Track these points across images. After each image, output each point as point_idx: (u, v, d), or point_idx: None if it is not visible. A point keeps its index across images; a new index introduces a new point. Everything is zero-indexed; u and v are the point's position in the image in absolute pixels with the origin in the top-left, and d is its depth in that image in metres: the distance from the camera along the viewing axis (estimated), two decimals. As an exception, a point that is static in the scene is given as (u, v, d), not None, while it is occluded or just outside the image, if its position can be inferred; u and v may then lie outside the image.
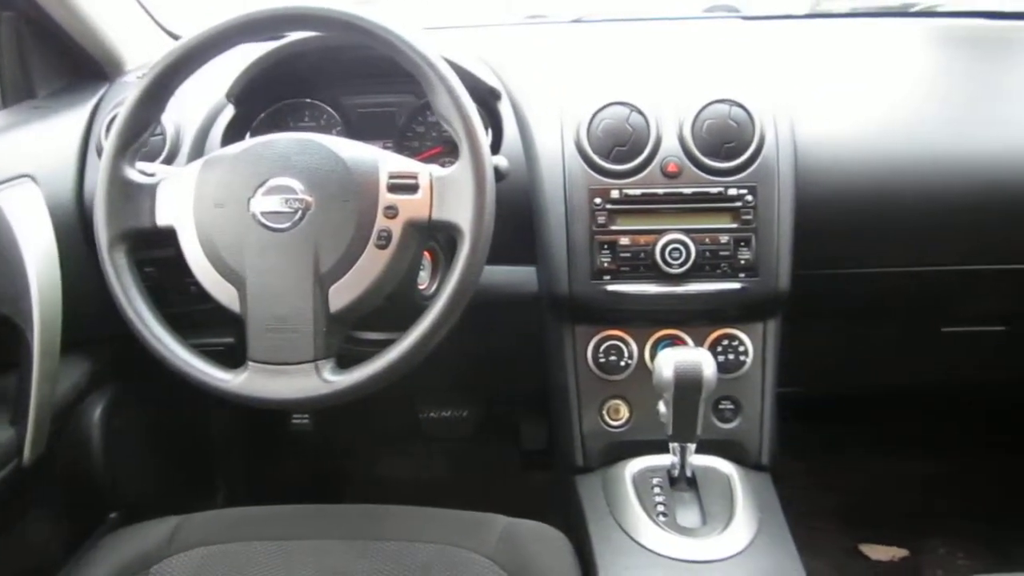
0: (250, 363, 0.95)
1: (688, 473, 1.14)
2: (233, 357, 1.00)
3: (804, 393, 1.45)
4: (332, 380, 0.94)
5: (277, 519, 1.07)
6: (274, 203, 0.94)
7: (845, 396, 1.71)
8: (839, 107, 1.26)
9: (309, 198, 0.94)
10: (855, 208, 1.21)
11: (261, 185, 0.95)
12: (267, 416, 1.64)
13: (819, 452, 1.83)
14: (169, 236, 0.99)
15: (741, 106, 1.16)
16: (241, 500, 1.18)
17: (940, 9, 1.55)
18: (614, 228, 1.15)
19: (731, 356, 1.20)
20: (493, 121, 1.23)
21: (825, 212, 1.19)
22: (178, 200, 0.98)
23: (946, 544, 1.74)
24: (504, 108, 1.23)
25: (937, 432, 1.88)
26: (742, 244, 1.15)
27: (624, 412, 1.22)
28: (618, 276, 1.16)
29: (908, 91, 1.29)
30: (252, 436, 1.78)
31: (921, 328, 1.43)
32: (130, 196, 0.98)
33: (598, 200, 1.15)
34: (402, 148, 1.28)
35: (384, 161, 0.97)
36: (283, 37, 1.19)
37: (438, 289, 0.96)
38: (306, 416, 1.72)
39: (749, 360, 1.20)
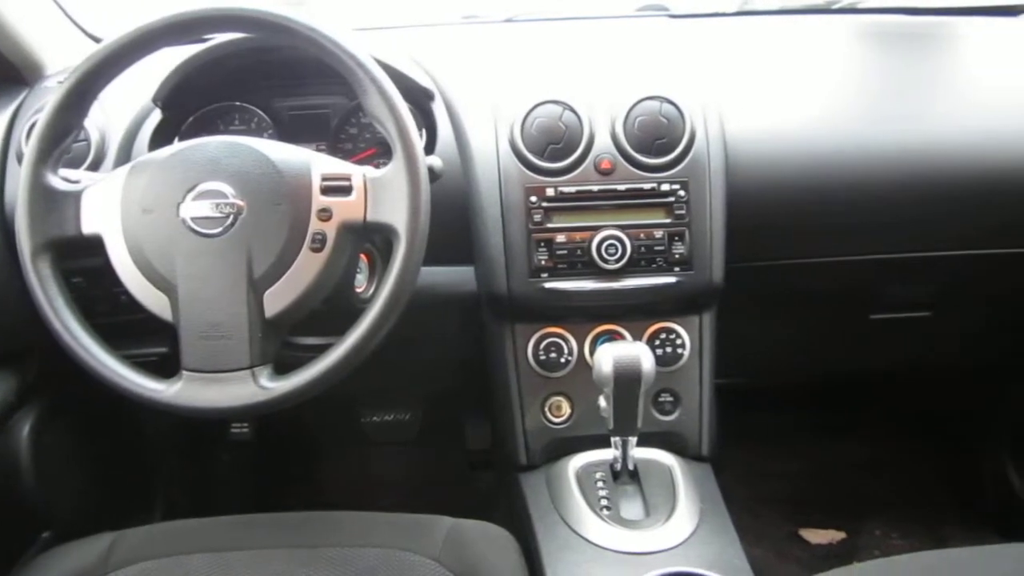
0: (184, 372, 0.93)
1: (630, 466, 1.15)
2: (167, 367, 0.98)
3: (742, 383, 1.48)
4: (269, 386, 0.92)
5: (217, 530, 1.05)
6: (204, 208, 0.92)
7: (781, 385, 1.75)
8: (767, 103, 1.29)
9: (240, 202, 0.92)
10: (784, 201, 1.24)
11: (191, 190, 0.93)
12: (204, 426, 1.61)
13: (758, 441, 1.87)
14: (96, 244, 0.96)
15: (672, 103, 1.18)
16: (180, 513, 1.15)
17: (861, 6, 1.59)
18: (550, 226, 1.16)
19: (669, 349, 1.22)
20: (427, 121, 1.23)
21: (755, 205, 1.22)
22: (104, 207, 0.96)
23: (882, 526, 1.79)
24: (438, 108, 1.23)
25: (870, 417, 1.93)
26: (676, 238, 1.16)
27: (566, 408, 1.23)
28: (555, 273, 1.16)
29: (832, 86, 1.33)
30: (190, 447, 1.75)
31: (851, 316, 1.47)
32: (53, 204, 0.96)
33: (533, 198, 1.16)
34: (336, 150, 1.27)
35: (316, 163, 0.96)
36: (210, 39, 1.16)
37: (375, 292, 0.95)
38: (245, 424, 1.70)
39: (686, 353, 1.22)
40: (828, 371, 1.65)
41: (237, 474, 1.84)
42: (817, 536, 1.77)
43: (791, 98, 1.30)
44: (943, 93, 1.32)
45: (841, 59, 1.41)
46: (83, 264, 1.11)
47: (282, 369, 0.95)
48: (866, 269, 1.34)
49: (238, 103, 1.27)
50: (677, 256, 1.17)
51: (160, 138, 1.21)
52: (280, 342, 0.97)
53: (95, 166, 1.19)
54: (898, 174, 1.24)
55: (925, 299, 1.43)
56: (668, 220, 1.16)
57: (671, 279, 1.17)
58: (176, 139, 1.25)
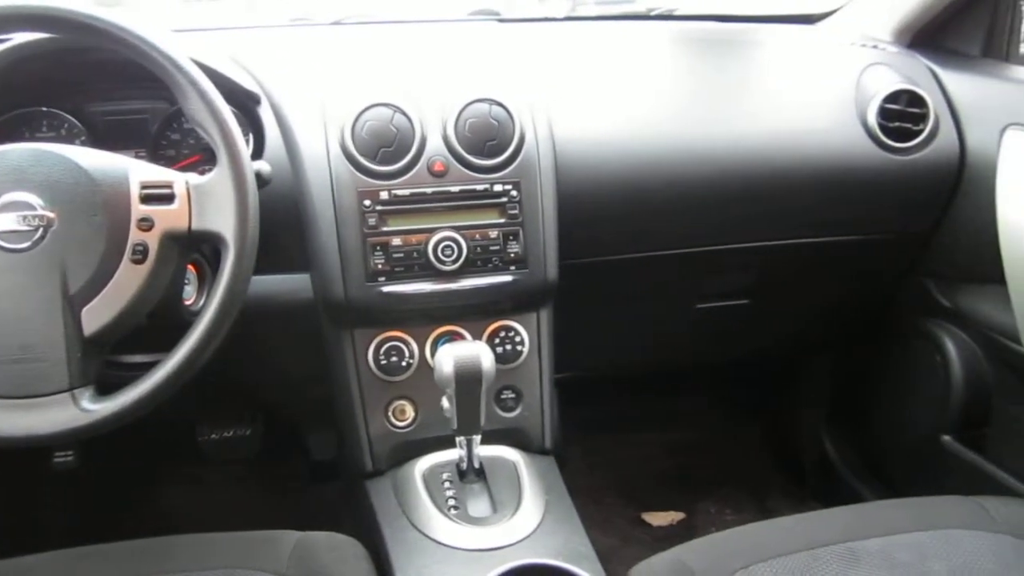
0: None
1: (476, 464, 1.16)
2: None
3: (581, 377, 1.52)
4: (92, 408, 0.87)
5: (45, 568, 0.98)
6: (9, 221, 0.86)
7: (618, 376, 1.82)
8: (593, 106, 1.34)
9: (50, 214, 0.87)
10: (612, 199, 1.29)
11: None
12: (22, 456, 1.49)
13: (598, 431, 1.93)
14: None
15: (501, 105, 1.20)
16: (3, 553, 1.07)
17: (677, 13, 1.68)
18: (385, 229, 1.15)
19: (508, 347, 1.24)
20: (253, 126, 1.19)
21: (585, 204, 1.26)
22: None
23: (716, 504, 1.89)
24: (264, 112, 1.20)
25: (700, 402, 2.04)
26: (511, 238, 1.19)
27: (409, 412, 1.23)
28: (393, 277, 1.16)
29: (652, 90, 1.40)
30: (7, 480, 1.62)
31: (679, 306, 1.55)
32: None
33: (367, 202, 1.15)
34: (157, 157, 1.21)
35: (134, 170, 0.91)
36: (9, 39, 1.08)
37: (205, 303, 0.92)
38: (69, 451, 1.59)
39: (526, 349, 1.24)
40: (660, 360, 1.72)
41: (63, 505, 1.72)
42: (658, 519, 1.85)
43: (615, 101, 1.36)
44: (748, 95, 1.42)
45: (660, 64, 1.48)
46: None
47: (107, 390, 0.90)
48: (691, 262, 1.42)
49: (45, 108, 1.19)
50: (512, 255, 1.19)
51: None
52: (102, 361, 0.92)
53: None
54: (711, 172, 1.33)
55: (744, 288, 1.54)
56: (502, 220, 1.19)
57: (507, 278, 1.19)
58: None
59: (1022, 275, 1.21)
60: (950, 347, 1.48)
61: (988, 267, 1.28)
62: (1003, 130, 1.29)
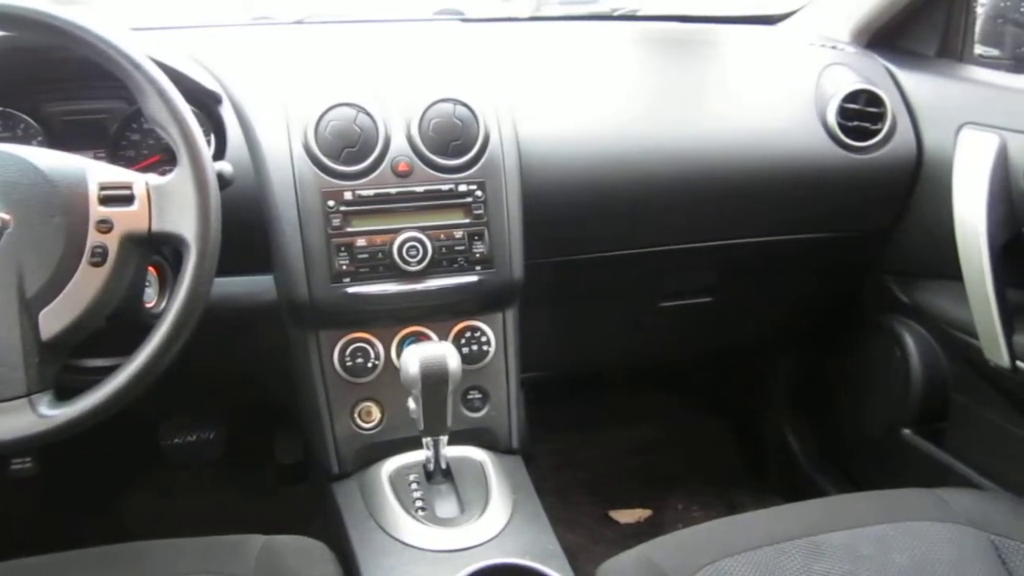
0: None
1: (443, 465, 1.16)
2: None
3: (548, 376, 1.53)
4: (50, 414, 0.86)
5: None
6: None
7: (584, 375, 1.83)
8: (557, 105, 1.34)
9: (6, 216, 0.85)
10: (577, 199, 1.30)
11: None
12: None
13: (565, 430, 1.94)
14: None
15: (465, 105, 1.20)
16: None
17: (640, 13, 1.69)
18: (350, 230, 1.15)
19: (475, 347, 1.24)
20: (215, 126, 1.18)
21: (550, 204, 1.27)
22: None
23: (682, 500, 1.91)
24: (226, 112, 1.19)
25: (665, 400, 2.06)
26: (476, 238, 1.18)
27: (376, 413, 1.22)
28: (358, 278, 1.15)
29: (616, 90, 1.40)
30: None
31: (644, 305, 1.56)
32: None
33: (331, 203, 1.14)
34: (116, 158, 1.19)
35: (93, 171, 0.90)
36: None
37: (166, 306, 0.90)
38: (27, 459, 1.56)
39: (492, 349, 1.24)
40: (626, 359, 1.73)
41: (21, 513, 1.69)
42: (625, 516, 1.87)
43: (579, 101, 1.36)
44: (711, 95, 1.43)
45: (624, 64, 1.49)
46: None
47: (66, 395, 0.88)
48: (655, 260, 1.43)
49: (1, 108, 1.17)
50: (478, 255, 1.19)
51: None
52: (61, 365, 0.90)
53: None
54: (674, 171, 1.34)
55: (707, 286, 1.55)
56: (467, 220, 1.18)
57: (473, 278, 1.19)
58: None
59: (978, 271, 1.24)
60: (909, 342, 1.51)
61: (945, 264, 1.30)
62: (958, 129, 1.32)
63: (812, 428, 1.85)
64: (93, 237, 0.87)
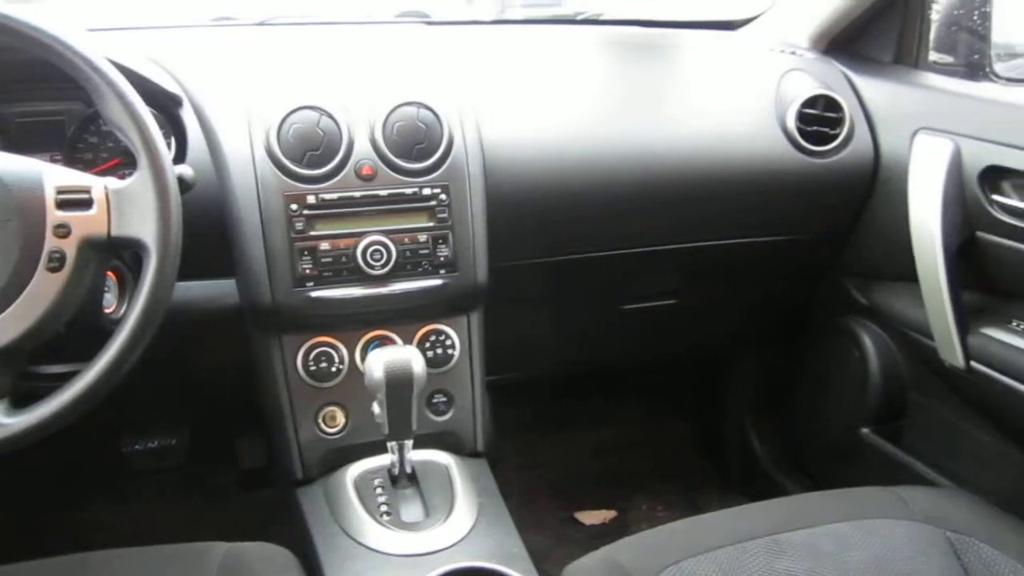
0: None
1: (408, 469, 1.16)
2: None
3: (512, 379, 1.53)
4: (6, 423, 0.85)
5: None
6: None
7: (549, 378, 1.83)
8: (521, 109, 1.34)
9: None
10: (540, 203, 1.30)
11: None
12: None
13: (530, 432, 1.95)
14: None
15: (429, 108, 1.19)
16: None
17: (603, 17, 1.70)
18: (313, 234, 1.14)
19: (439, 351, 1.24)
20: (175, 128, 1.16)
21: (514, 207, 1.27)
22: None
23: (647, 501, 1.92)
24: (186, 115, 1.17)
25: (629, 401, 2.07)
26: (440, 241, 1.18)
27: (340, 418, 1.21)
28: (321, 282, 1.15)
29: (580, 93, 1.41)
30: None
31: (607, 307, 1.57)
32: None
33: (294, 206, 1.13)
34: (74, 161, 1.17)
35: (49, 175, 0.88)
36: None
37: (126, 312, 0.89)
38: None
39: (457, 353, 1.24)
40: (590, 361, 1.74)
41: (-25, 523, 1.65)
42: (591, 517, 1.87)
43: (543, 104, 1.37)
44: (673, 100, 1.45)
45: (587, 68, 1.49)
46: None
47: (23, 402, 0.87)
48: (619, 263, 1.44)
49: None
50: (442, 259, 1.18)
51: None
52: (17, 372, 0.88)
53: None
54: (636, 175, 1.35)
55: (670, 288, 1.56)
56: (431, 224, 1.18)
57: (437, 281, 1.19)
58: None
59: (933, 274, 1.26)
60: (867, 343, 1.54)
61: (902, 266, 1.33)
62: (914, 134, 1.34)
63: (774, 428, 1.87)
64: (50, 242, 0.86)
